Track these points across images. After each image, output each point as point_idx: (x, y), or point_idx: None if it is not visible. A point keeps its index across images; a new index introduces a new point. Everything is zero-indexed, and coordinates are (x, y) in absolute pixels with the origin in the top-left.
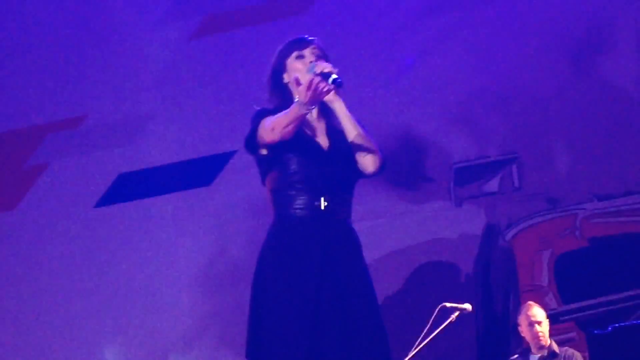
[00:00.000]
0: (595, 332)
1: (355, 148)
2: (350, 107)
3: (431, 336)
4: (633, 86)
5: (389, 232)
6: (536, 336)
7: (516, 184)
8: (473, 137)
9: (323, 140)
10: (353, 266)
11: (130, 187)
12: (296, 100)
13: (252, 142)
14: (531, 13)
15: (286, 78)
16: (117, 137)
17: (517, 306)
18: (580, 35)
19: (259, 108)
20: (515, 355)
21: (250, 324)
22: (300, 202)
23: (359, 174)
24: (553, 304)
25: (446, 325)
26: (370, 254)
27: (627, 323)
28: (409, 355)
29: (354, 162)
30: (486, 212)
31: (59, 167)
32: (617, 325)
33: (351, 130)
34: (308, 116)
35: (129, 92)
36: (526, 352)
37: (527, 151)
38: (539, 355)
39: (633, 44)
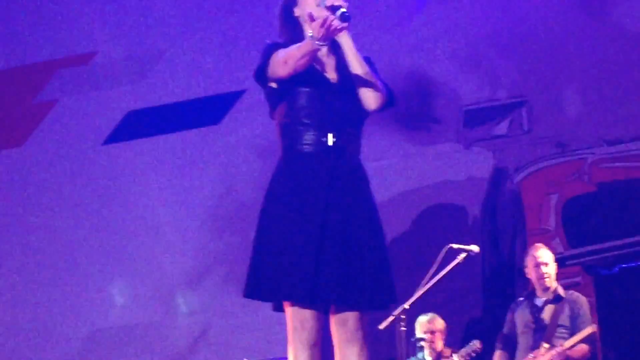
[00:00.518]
0: (602, 272)
1: (358, 84)
2: (360, 48)
3: (438, 276)
4: None
5: (398, 173)
6: (541, 277)
7: (525, 127)
8: (483, 80)
9: (332, 76)
10: (359, 201)
11: (139, 124)
12: (309, 35)
13: (262, 75)
14: None
15: (297, 12)
16: (127, 74)
17: (524, 249)
18: None
19: (269, 42)
20: (521, 298)
21: (252, 261)
22: (307, 137)
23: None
24: (560, 247)
25: (453, 266)
26: (378, 195)
27: (634, 264)
28: (416, 295)
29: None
30: (495, 155)
31: (67, 104)
32: (624, 266)
33: (355, 66)
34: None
35: (138, 29)
36: (532, 294)
37: (537, 95)
38: (544, 298)
39: None
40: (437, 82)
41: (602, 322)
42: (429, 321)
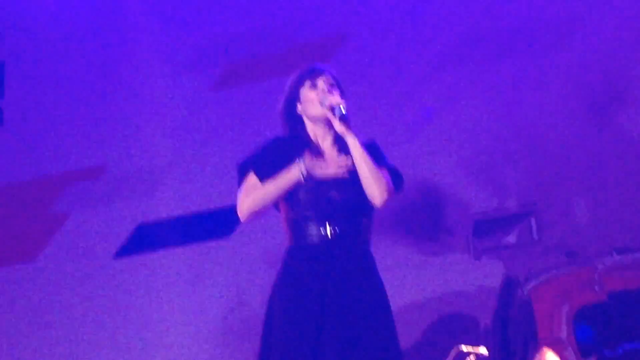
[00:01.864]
0: (606, 354)
1: (363, 180)
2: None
3: None
4: None
5: (408, 283)
6: None
7: (535, 236)
8: (491, 189)
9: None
10: (363, 288)
11: (150, 237)
12: (300, 162)
13: (239, 178)
14: (549, 65)
15: (299, 107)
16: (137, 187)
17: None
18: (598, 85)
19: (272, 138)
20: None
21: (259, 356)
22: (309, 230)
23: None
24: (572, 357)
25: None
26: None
27: (638, 345)
28: None
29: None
30: (505, 264)
31: (79, 217)
32: (627, 346)
33: (361, 165)
34: (321, 143)
35: (148, 142)
36: None
37: (546, 203)
38: None
39: None
40: (445, 191)
41: None
42: None
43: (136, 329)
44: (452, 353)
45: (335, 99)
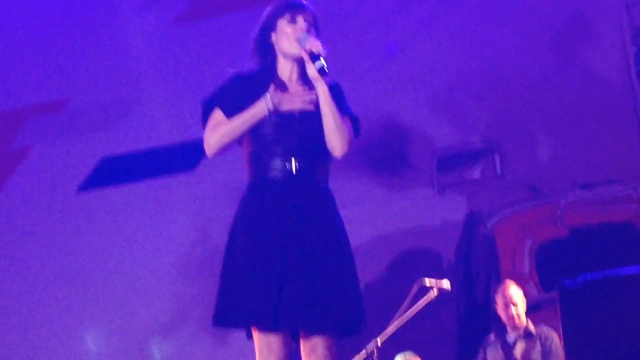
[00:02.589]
0: (567, 283)
1: (326, 130)
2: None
3: (411, 311)
4: (615, 74)
5: (371, 218)
6: (511, 317)
7: (498, 172)
8: (455, 125)
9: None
10: (324, 225)
11: (113, 171)
12: (267, 98)
13: (203, 117)
14: (513, 1)
15: (274, 37)
16: (100, 120)
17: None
18: (562, 23)
19: (233, 71)
20: (492, 336)
21: (219, 288)
22: (272, 164)
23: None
24: (534, 292)
25: (425, 302)
26: (351, 241)
27: (598, 275)
28: (389, 330)
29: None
30: (468, 199)
31: (41, 151)
32: (588, 278)
33: (327, 114)
34: (287, 78)
35: (112, 75)
36: (502, 331)
37: (510, 139)
38: (515, 335)
39: (616, 31)
40: (409, 127)
41: (566, 334)
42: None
43: (100, 262)
44: (415, 287)
45: (317, 46)
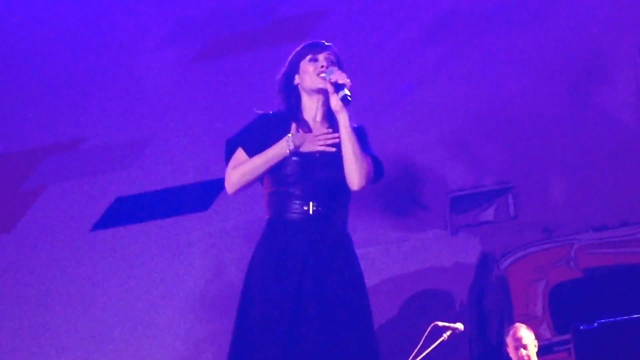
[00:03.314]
0: (581, 327)
1: (346, 162)
2: None
3: (423, 354)
4: (630, 116)
5: (385, 259)
6: (526, 352)
7: (512, 213)
8: (469, 166)
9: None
10: (341, 270)
11: (127, 210)
12: (289, 138)
13: (226, 156)
14: (529, 43)
15: (297, 79)
16: (115, 160)
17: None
18: (577, 65)
19: (260, 112)
20: None
21: (233, 331)
22: (291, 205)
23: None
24: (547, 334)
25: (438, 344)
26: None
27: (613, 319)
28: None
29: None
30: (481, 241)
31: (56, 190)
32: (602, 321)
33: (347, 146)
34: (311, 118)
35: (127, 115)
36: None
37: (523, 181)
38: None
39: (631, 74)
40: (424, 168)
41: None
42: None
43: (113, 302)
44: (429, 329)
45: (343, 77)
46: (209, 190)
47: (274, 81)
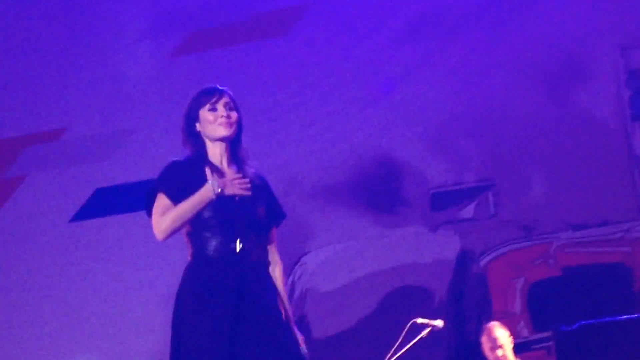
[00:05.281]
0: (562, 328)
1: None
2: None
3: (402, 351)
4: (609, 115)
5: (364, 255)
6: (502, 351)
7: (492, 210)
8: (450, 163)
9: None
10: (268, 302)
11: (107, 202)
12: (212, 182)
13: (147, 206)
14: (510, 41)
15: (198, 127)
16: (95, 151)
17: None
18: (557, 63)
19: (174, 159)
20: None
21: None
22: (215, 243)
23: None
24: (525, 331)
25: (417, 341)
26: (344, 277)
27: (594, 321)
28: None
29: (268, 208)
30: (461, 238)
31: (36, 180)
32: (583, 322)
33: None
34: (218, 161)
35: (108, 106)
36: None
37: (503, 178)
38: None
39: (611, 73)
40: (404, 165)
41: None
42: None
43: (92, 293)
44: (408, 326)
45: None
46: None
47: (253, 76)
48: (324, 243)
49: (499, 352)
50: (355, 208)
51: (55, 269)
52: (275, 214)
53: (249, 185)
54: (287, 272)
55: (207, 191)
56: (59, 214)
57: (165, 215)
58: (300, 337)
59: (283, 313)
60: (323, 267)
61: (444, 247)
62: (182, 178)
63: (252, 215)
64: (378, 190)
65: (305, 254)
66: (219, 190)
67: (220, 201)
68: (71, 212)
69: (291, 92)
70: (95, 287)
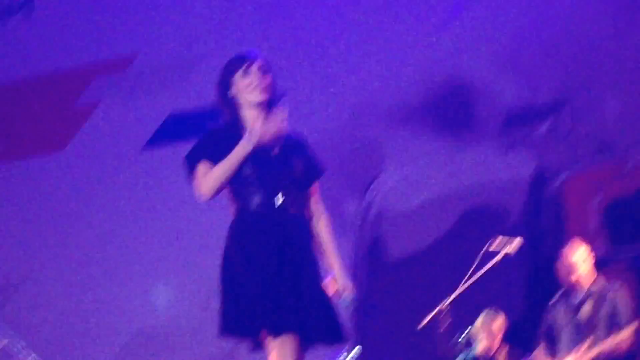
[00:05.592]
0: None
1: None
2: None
3: (480, 272)
4: None
5: (438, 176)
6: (574, 280)
7: (567, 129)
8: (524, 82)
9: (273, 145)
10: (305, 254)
11: (181, 127)
12: (248, 134)
13: (188, 172)
14: None
15: (232, 92)
16: (168, 76)
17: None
18: None
19: (208, 130)
20: (558, 297)
21: (221, 304)
22: (254, 199)
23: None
24: (602, 248)
25: (496, 262)
26: (418, 198)
27: None
28: (457, 292)
29: (305, 167)
30: (536, 156)
31: (109, 107)
32: None
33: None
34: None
35: (180, 32)
36: (569, 292)
37: (579, 96)
38: (580, 295)
39: None
40: (477, 84)
41: None
42: (492, 319)
43: (166, 217)
44: (486, 246)
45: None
46: None
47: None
48: (398, 165)
49: (576, 273)
50: (429, 129)
51: (130, 193)
52: (314, 170)
53: (285, 122)
54: (362, 194)
55: (244, 144)
56: (132, 140)
57: (208, 175)
58: (347, 285)
59: (319, 267)
60: (397, 188)
61: (519, 166)
62: (219, 145)
63: (289, 171)
64: (451, 111)
65: (380, 175)
66: (255, 139)
67: (259, 158)
68: (145, 138)
69: (362, 14)
70: (171, 211)
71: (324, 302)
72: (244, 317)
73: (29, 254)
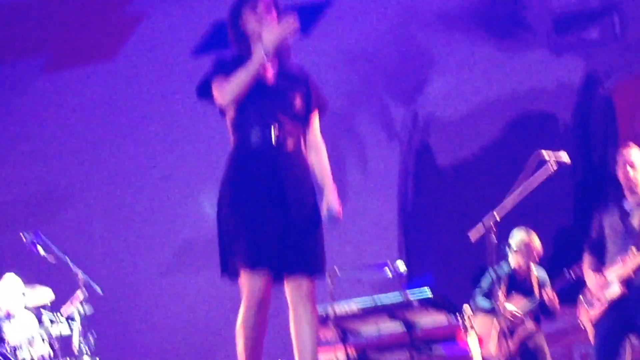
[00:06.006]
0: None
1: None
2: None
3: (528, 186)
4: None
5: (487, 81)
6: (627, 178)
7: (617, 33)
8: None
9: (271, 78)
10: (300, 188)
11: (224, 34)
12: (258, 45)
13: (204, 90)
14: None
15: (242, 24)
16: None
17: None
18: None
19: (217, 59)
20: (610, 202)
21: (220, 243)
22: (252, 133)
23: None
24: None
25: (543, 175)
26: (466, 104)
27: None
28: (506, 205)
29: (304, 100)
30: (586, 61)
31: (157, 16)
32: None
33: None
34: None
35: None
36: (620, 198)
37: (628, 1)
38: (633, 201)
39: None
40: None
41: None
42: (529, 236)
43: (216, 124)
44: (533, 159)
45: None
46: (310, 14)
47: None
48: (446, 71)
49: (631, 173)
50: (477, 34)
51: (180, 100)
52: (315, 104)
53: (296, 24)
54: (409, 100)
55: (257, 56)
56: (181, 47)
57: (225, 83)
58: (333, 203)
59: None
60: (445, 94)
61: (568, 71)
62: (233, 67)
63: (286, 103)
64: (499, 15)
65: (428, 81)
66: (268, 48)
67: (259, 91)
68: (193, 45)
69: None
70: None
71: (309, 238)
72: (225, 253)
73: (79, 165)
